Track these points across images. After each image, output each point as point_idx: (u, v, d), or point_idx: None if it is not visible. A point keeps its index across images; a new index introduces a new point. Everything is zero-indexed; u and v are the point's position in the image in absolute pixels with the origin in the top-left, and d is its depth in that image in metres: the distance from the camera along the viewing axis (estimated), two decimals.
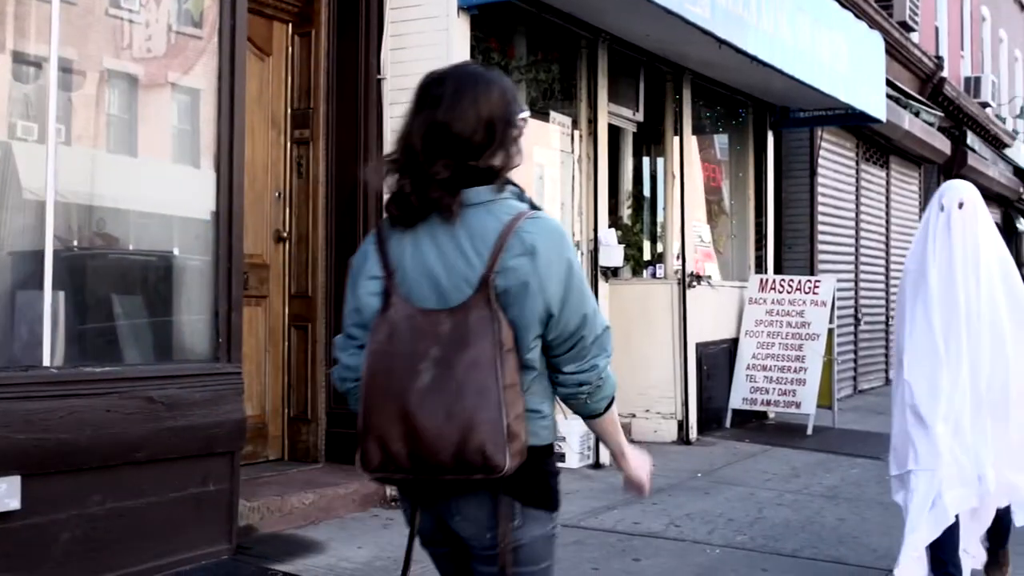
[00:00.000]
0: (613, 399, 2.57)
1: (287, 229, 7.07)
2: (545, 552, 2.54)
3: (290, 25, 7.13)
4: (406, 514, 2.61)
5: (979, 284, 4.93)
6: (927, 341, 4.90)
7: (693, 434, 9.63)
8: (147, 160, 5.75)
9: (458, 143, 2.41)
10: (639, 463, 2.69)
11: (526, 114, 2.59)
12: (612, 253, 8.63)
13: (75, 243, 5.22)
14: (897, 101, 14.53)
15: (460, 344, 2.34)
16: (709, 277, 10.45)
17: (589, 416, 2.57)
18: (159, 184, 5.70)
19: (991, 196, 23.42)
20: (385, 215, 2.52)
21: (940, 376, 4.81)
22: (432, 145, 2.41)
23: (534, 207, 2.53)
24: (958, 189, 5.18)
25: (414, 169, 2.43)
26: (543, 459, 2.50)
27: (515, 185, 2.57)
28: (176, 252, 5.68)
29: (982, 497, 4.84)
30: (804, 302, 10.74)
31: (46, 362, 4.78)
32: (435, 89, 2.45)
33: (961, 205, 5.04)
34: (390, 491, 6.76)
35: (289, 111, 7.12)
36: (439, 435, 2.31)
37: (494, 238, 2.39)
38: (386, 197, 2.52)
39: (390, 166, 2.48)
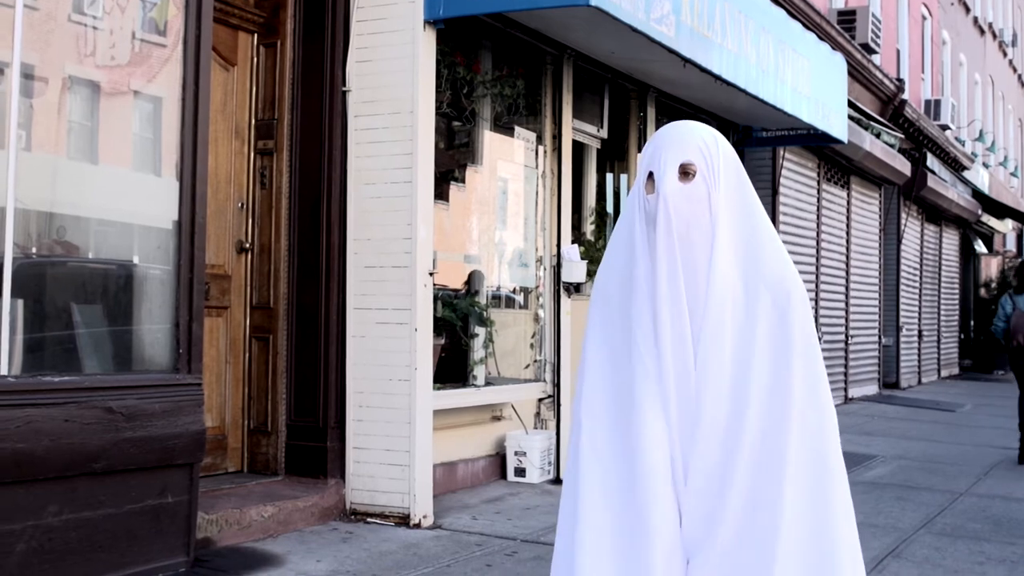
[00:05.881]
0: None
1: (249, 240, 7.04)
2: None
3: (255, 35, 7.11)
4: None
5: (705, 338, 2.82)
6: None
7: None
8: (109, 168, 5.70)
9: None
10: None
11: None
12: (575, 269, 8.65)
13: (35, 251, 5.17)
14: (858, 122, 14.65)
15: None
16: None
17: None
18: (121, 192, 5.66)
19: (950, 218, 23.70)
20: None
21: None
22: None
23: None
24: (678, 140, 2.84)
25: None
26: None
27: None
28: (137, 261, 5.64)
29: None
30: None
31: (3, 371, 4.73)
32: None
33: (687, 173, 2.80)
34: (350, 504, 6.74)
35: (253, 121, 7.09)
36: None
37: None
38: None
39: None
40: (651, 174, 2.84)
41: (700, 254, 2.83)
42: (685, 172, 2.80)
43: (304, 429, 6.90)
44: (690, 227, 2.82)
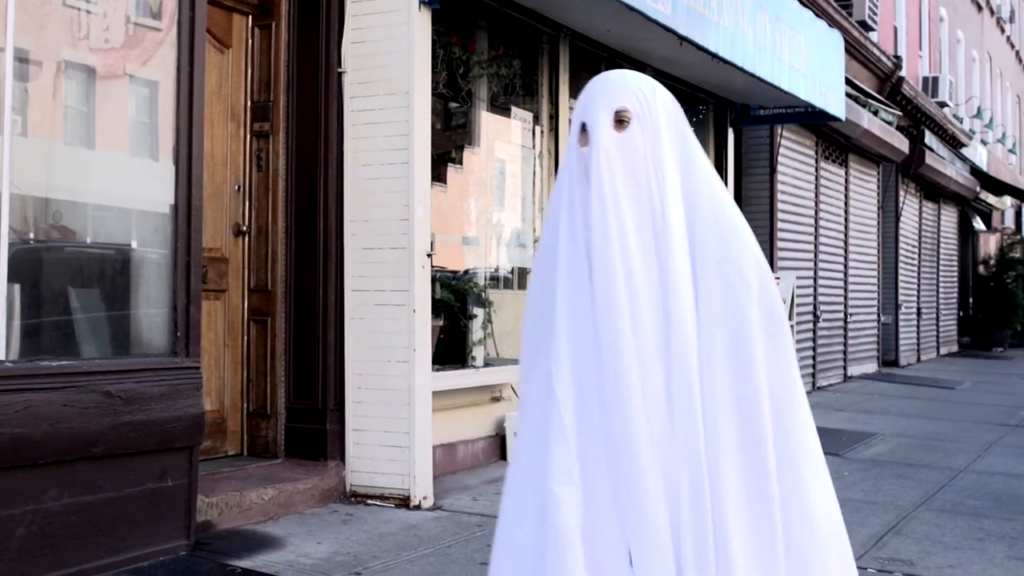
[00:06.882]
0: None
1: (246, 222, 7.02)
2: None
3: (250, 17, 7.08)
4: None
5: (671, 288, 2.69)
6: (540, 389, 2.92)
7: None
8: (105, 152, 5.69)
9: None
10: None
11: None
12: None
13: (31, 236, 5.15)
14: (856, 100, 14.63)
15: None
16: None
17: None
18: (117, 177, 5.64)
19: (948, 195, 23.67)
20: None
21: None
22: None
23: None
24: (611, 88, 2.73)
25: None
26: None
27: None
28: (134, 245, 5.62)
29: None
30: None
31: (1, 356, 4.72)
32: None
33: (622, 121, 2.68)
34: (350, 486, 6.74)
35: (249, 104, 7.07)
36: None
37: None
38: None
39: None
40: (584, 125, 2.70)
41: (644, 218, 2.67)
42: (620, 120, 2.67)
43: (303, 412, 6.90)
44: (631, 183, 2.67)
